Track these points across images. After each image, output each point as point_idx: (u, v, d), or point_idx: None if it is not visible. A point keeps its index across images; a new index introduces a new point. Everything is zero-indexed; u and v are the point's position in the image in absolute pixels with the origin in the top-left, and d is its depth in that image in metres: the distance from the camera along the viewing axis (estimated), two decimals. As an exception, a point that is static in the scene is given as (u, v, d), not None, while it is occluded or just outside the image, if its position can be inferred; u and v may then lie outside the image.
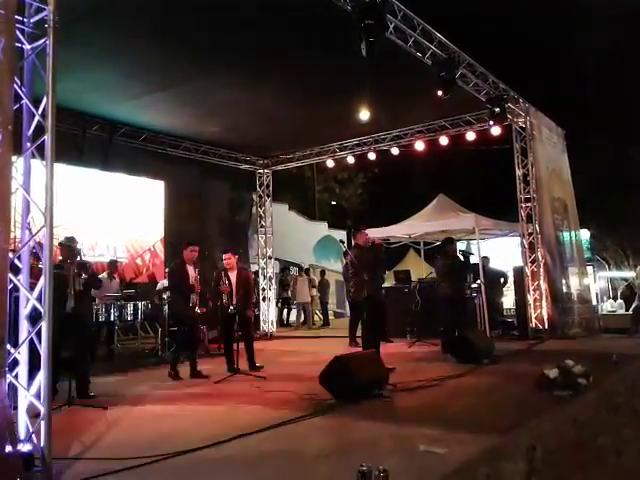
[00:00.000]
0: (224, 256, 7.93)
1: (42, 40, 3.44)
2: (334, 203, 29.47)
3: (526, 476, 3.76)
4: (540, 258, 10.81)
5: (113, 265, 10.24)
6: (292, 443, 4.11)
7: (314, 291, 16.84)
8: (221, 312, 7.83)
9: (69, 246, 6.09)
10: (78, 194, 11.11)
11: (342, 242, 8.66)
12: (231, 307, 7.66)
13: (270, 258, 14.49)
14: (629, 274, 21.71)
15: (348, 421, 4.67)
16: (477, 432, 4.06)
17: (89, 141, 10.96)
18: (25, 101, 3.38)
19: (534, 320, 10.83)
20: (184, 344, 7.74)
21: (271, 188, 14.73)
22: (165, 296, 9.68)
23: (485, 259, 11.99)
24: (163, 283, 10.78)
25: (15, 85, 3.30)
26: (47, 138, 3.40)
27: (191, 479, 3.39)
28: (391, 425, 4.46)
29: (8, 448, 2.99)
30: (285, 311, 17.33)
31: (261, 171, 14.69)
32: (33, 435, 3.38)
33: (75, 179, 11.09)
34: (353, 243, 8.01)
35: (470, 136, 11.84)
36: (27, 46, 3.49)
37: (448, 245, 9.34)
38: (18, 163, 3.51)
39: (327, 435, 4.26)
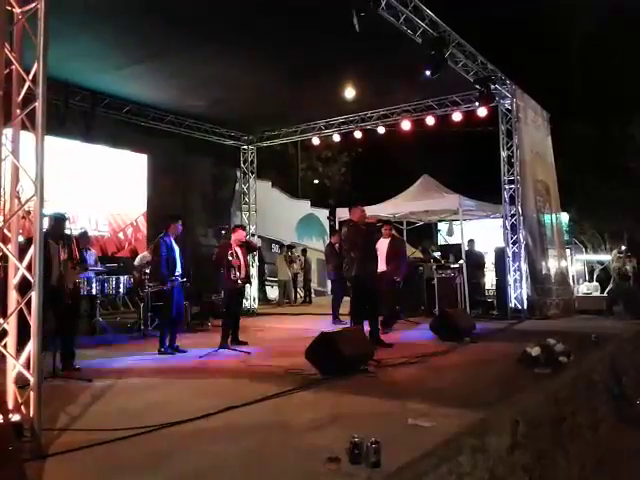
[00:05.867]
0: (239, 230, 8.19)
1: (33, 4, 3.33)
2: (317, 182, 29.33)
3: (510, 449, 3.86)
4: (521, 239, 10.93)
5: (84, 237, 9.63)
6: (281, 415, 4.15)
7: (295, 267, 16.87)
8: (230, 285, 7.68)
9: (59, 220, 6.00)
10: (59, 166, 10.90)
11: (330, 218, 8.63)
12: (239, 281, 7.66)
13: (253, 235, 14.45)
14: (605, 257, 22.12)
15: (335, 395, 4.72)
16: (462, 407, 4.14)
17: (71, 111, 10.65)
18: (15, 66, 3.28)
19: (513, 300, 10.99)
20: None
21: (255, 165, 14.62)
22: (148, 271, 9.57)
23: (471, 242, 12.15)
24: (143, 257, 10.62)
25: (5, 50, 3.21)
26: (38, 105, 3.31)
27: (181, 449, 3.40)
28: (378, 399, 4.54)
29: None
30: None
31: (245, 147, 14.55)
32: (22, 405, 3.37)
33: (56, 150, 10.84)
34: (346, 219, 7.85)
35: (456, 117, 11.85)
36: (17, 10, 3.38)
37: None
38: (7, 130, 3.43)
39: (315, 408, 4.30)
